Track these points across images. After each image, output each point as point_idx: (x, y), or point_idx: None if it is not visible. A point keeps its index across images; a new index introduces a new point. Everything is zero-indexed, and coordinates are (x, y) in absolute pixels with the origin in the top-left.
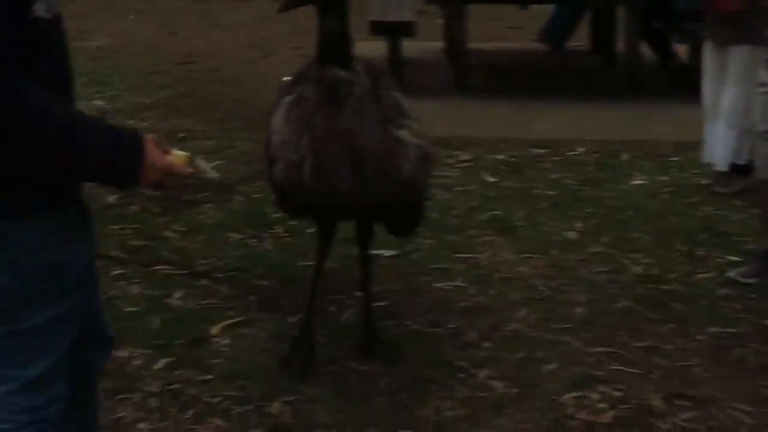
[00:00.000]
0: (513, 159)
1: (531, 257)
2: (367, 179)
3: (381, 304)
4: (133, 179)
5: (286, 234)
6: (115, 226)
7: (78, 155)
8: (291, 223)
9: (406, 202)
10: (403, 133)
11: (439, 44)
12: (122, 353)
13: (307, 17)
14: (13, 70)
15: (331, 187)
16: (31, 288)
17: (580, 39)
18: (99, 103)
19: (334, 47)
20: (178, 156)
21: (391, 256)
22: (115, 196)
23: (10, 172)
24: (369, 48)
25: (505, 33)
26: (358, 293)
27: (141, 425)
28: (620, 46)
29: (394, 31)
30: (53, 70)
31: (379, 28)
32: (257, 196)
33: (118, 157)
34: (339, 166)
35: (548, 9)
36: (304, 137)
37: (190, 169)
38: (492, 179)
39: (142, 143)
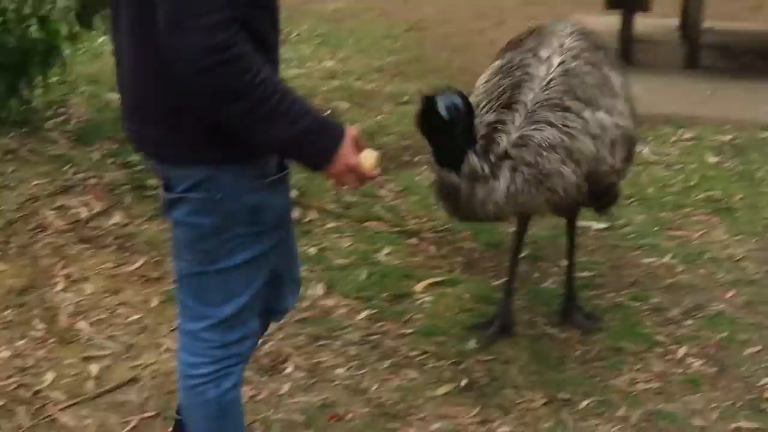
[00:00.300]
0: (738, 140)
1: (745, 239)
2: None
3: (586, 274)
4: (322, 166)
5: None
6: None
7: (279, 129)
8: None
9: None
10: (599, 116)
11: (674, 21)
12: (328, 302)
13: None
14: (242, 32)
15: None
16: (235, 228)
17: None
18: (329, 63)
19: (446, 158)
20: (368, 156)
21: (601, 229)
22: None
23: (222, 125)
24: (602, 22)
25: (746, 13)
26: (563, 262)
27: (339, 371)
28: None
29: (629, 5)
30: (267, 29)
31: (613, 2)
32: None
33: (313, 141)
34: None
35: None
36: None
37: (376, 172)
38: (713, 159)
39: (341, 135)
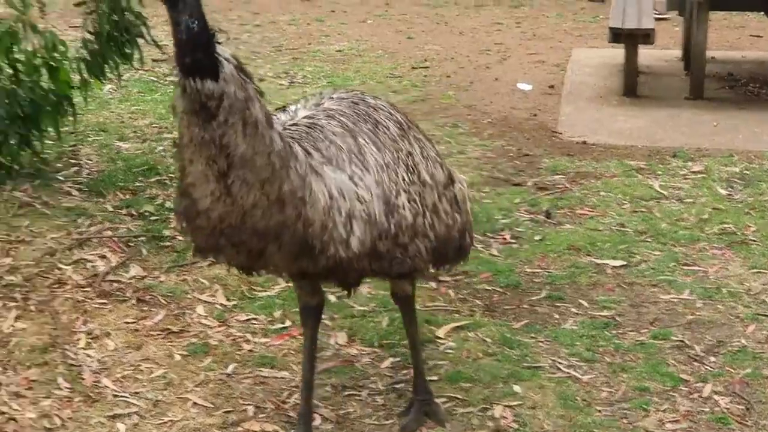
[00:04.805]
0: (747, 171)
1: (762, 272)
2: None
3: (606, 313)
4: None
5: (513, 240)
6: None
7: None
8: (518, 229)
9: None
10: (341, 177)
11: (677, 52)
12: (351, 351)
13: (545, 24)
14: None
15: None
16: None
17: None
18: None
19: (191, 51)
20: None
21: (618, 266)
22: None
23: None
24: (606, 55)
25: (748, 42)
26: (583, 301)
27: (367, 421)
28: None
29: (632, 39)
30: None
31: (617, 35)
32: (486, 201)
33: None
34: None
35: None
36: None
37: None
38: (724, 191)
39: None
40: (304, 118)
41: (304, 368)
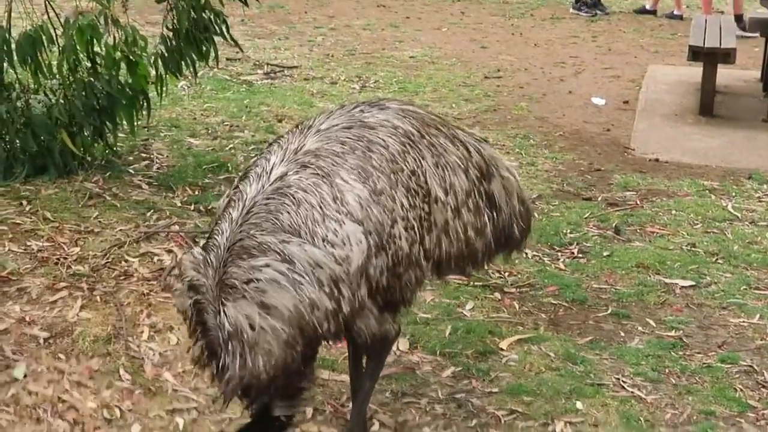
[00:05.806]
0: None
1: None
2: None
3: (673, 333)
4: None
5: (581, 255)
6: None
7: None
8: (586, 244)
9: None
10: (309, 251)
11: (755, 73)
12: (413, 358)
13: (621, 39)
14: None
15: None
16: None
17: None
18: None
19: None
20: None
21: (687, 287)
22: None
23: None
24: (683, 73)
25: None
26: (650, 320)
27: (425, 429)
28: None
29: (712, 58)
30: None
31: (696, 53)
32: (555, 214)
33: None
34: None
35: None
36: None
37: None
38: None
39: None
40: (276, 180)
41: (350, 375)
